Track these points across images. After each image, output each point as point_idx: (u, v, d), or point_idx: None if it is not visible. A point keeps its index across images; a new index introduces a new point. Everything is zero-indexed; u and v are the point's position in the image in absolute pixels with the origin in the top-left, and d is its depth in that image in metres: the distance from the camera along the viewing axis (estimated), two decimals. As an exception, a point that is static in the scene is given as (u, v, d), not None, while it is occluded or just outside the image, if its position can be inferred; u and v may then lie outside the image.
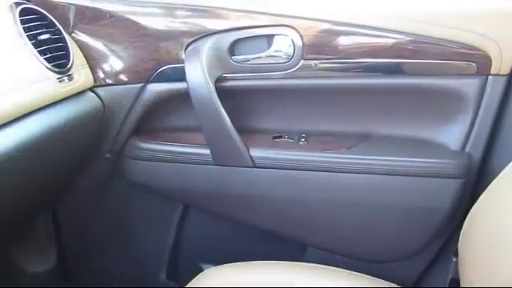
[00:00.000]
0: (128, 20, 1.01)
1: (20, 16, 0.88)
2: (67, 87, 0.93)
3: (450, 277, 0.98)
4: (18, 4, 0.91)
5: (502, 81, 0.95)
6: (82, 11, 1.01)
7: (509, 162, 0.78)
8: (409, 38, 0.95)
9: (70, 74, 0.94)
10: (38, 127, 0.86)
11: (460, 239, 0.85)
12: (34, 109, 0.85)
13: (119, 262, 1.25)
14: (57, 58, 0.92)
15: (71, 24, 1.01)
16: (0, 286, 1.19)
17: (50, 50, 0.91)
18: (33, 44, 0.87)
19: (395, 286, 0.96)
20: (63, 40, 0.95)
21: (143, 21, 1.01)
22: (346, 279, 0.95)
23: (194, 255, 1.14)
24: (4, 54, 0.84)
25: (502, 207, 0.77)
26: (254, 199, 1.08)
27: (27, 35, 0.87)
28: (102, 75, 1.03)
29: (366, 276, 0.96)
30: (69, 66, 0.94)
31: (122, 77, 1.03)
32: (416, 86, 1.00)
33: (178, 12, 1.01)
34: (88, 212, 1.19)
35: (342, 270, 0.96)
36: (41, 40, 0.90)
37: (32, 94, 0.84)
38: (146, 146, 1.09)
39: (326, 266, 0.97)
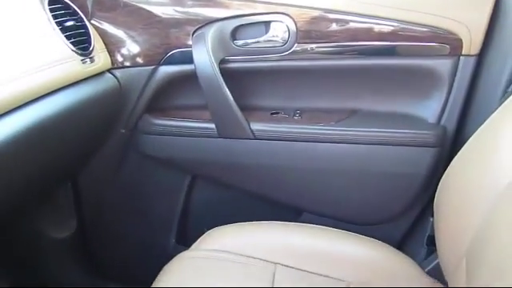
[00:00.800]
0: (141, 9, 1.13)
1: (49, 5, 1.00)
2: (89, 68, 1.05)
3: (427, 234, 1.11)
4: (44, -6, 1.02)
5: (472, 60, 1.06)
6: (100, 1, 1.13)
7: (477, 132, 0.91)
8: (390, 24, 1.06)
9: (92, 57, 1.05)
10: (63, 103, 0.97)
11: (435, 200, 0.97)
12: (61, 86, 0.96)
13: (133, 228, 1.36)
14: (80, 42, 1.03)
15: (91, 12, 1.12)
16: (25, 250, 1.31)
17: (74, 35, 1.02)
18: (60, 29, 0.99)
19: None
20: (85, 27, 1.07)
21: (155, 10, 1.13)
22: (342, 238, 1.07)
23: (200, 221, 1.26)
24: (36, 38, 0.95)
25: (469, 170, 0.89)
26: (254, 168, 1.20)
27: (55, 22, 0.99)
28: (118, 58, 1.14)
29: (359, 235, 1.08)
30: (90, 49, 1.05)
31: (136, 60, 1.15)
32: (397, 66, 1.11)
33: (186, 1, 1.13)
34: (105, 182, 1.30)
35: (337, 230, 1.08)
36: (66, 26, 1.01)
37: (60, 73, 0.95)
38: (158, 122, 1.20)
39: (322, 227, 1.09)
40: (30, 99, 0.86)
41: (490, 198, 0.78)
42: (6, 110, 0.80)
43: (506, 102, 0.87)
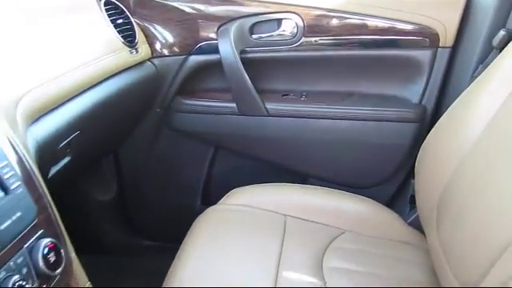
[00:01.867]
0: (175, 8, 1.35)
1: (104, 6, 1.21)
2: (134, 57, 1.26)
3: (410, 194, 1.32)
4: (101, -2, 1.24)
5: (447, 51, 1.29)
6: (141, 2, 1.35)
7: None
8: (381, 21, 1.29)
9: (136, 48, 1.27)
10: (115, 87, 1.18)
11: (415, 165, 1.18)
12: (114, 72, 1.17)
13: (165, 193, 1.58)
14: (127, 36, 1.25)
15: (133, 11, 1.34)
16: (74, 210, 1.53)
17: (122, 31, 1.24)
18: (113, 26, 1.21)
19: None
20: (131, 23, 1.28)
21: (186, 9, 1.35)
22: (339, 196, 1.27)
23: (221, 186, 1.46)
24: (96, 33, 1.17)
25: (442, 140, 1.11)
26: (268, 140, 1.42)
27: (110, 20, 1.20)
28: (156, 49, 1.36)
29: (354, 194, 1.29)
30: (135, 42, 1.27)
31: (171, 50, 1.37)
32: (386, 56, 1.34)
33: (212, 2, 1.34)
34: (141, 154, 1.51)
35: (336, 190, 1.29)
36: (117, 23, 1.23)
37: (114, 62, 1.17)
38: (188, 102, 1.43)
39: (324, 188, 1.30)
40: (93, 83, 1.07)
41: (457, 161, 1.00)
42: (77, 93, 1.01)
43: (472, 84, 1.08)
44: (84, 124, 1.01)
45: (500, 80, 1.00)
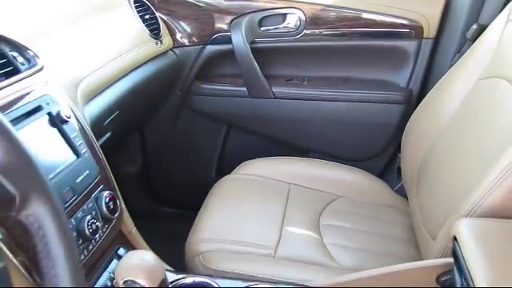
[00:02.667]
0: (194, 4, 1.53)
1: (134, 4, 1.39)
2: (159, 48, 1.45)
3: (397, 166, 1.50)
4: (132, -4, 1.42)
5: (430, 42, 1.46)
6: (165, -1, 1.54)
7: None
8: (373, 15, 1.46)
9: (161, 40, 1.45)
10: (144, 74, 1.36)
11: (402, 141, 1.36)
12: (143, 61, 1.36)
13: (184, 165, 1.77)
14: (153, 29, 1.43)
15: (158, 8, 1.52)
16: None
17: (149, 25, 1.42)
18: (142, 21, 1.39)
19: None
20: (156, 18, 1.46)
21: (203, 5, 1.53)
22: (335, 167, 1.45)
23: (233, 159, 1.60)
24: (129, 28, 1.35)
25: (423, 118, 1.29)
26: (274, 119, 1.60)
27: (139, 15, 1.38)
28: (177, 40, 1.55)
29: (348, 166, 1.47)
30: (160, 35, 1.45)
31: (190, 41, 1.56)
32: (377, 45, 1.51)
33: (226, -1, 1.53)
34: (164, 131, 1.70)
35: (332, 162, 1.48)
36: (145, 18, 1.41)
37: (144, 52, 1.35)
38: (205, 86, 1.61)
39: (323, 160, 1.49)
40: (128, 71, 1.26)
41: (434, 137, 1.18)
42: (116, 79, 1.20)
43: (449, 71, 1.26)
44: (122, 105, 1.20)
45: (472, 67, 1.17)
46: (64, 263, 0.42)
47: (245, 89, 1.57)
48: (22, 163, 0.41)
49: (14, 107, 0.72)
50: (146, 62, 1.37)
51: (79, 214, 0.76)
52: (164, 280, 0.70)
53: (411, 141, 1.32)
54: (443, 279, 0.81)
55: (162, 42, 1.45)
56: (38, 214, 0.41)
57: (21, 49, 0.84)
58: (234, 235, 1.12)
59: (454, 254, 0.74)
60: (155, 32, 1.43)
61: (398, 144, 1.54)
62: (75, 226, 0.75)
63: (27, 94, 0.77)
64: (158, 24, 1.46)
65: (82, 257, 0.77)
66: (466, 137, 1.05)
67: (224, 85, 1.61)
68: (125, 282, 0.67)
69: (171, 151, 1.75)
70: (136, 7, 1.40)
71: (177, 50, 1.55)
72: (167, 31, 1.52)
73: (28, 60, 0.83)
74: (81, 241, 0.77)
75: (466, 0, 1.34)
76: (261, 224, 1.18)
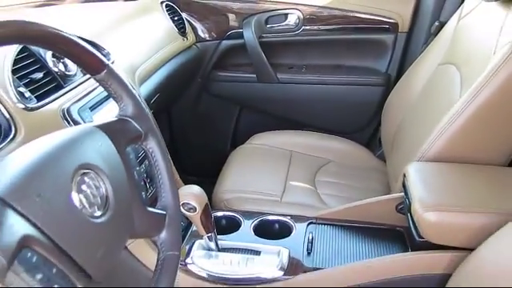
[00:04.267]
0: (212, 7, 1.82)
1: (165, 8, 1.68)
2: (185, 43, 1.74)
3: (378, 137, 1.79)
4: (162, 2, 1.71)
5: (404, 35, 1.75)
6: (189, 3, 1.82)
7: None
8: (358, 14, 1.75)
9: (186, 36, 1.75)
10: (174, 64, 1.64)
11: (382, 116, 1.66)
12: (174, 55, 1.64)
13: (204, 140, 2.05)
14: (180, 28, 1.73)
15: (183, 10, 1.81)
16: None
17: (177, 25, 1.71)
18: (172, 21, 1.68)
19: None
20: (182, 19, 1.76)
21: (220, 7, 1.82)
22: (328, 138, 1.73)
23: (245, 133, 1.84)
24: (163, 28, 1.64)
25: (397, 96, 1.57)
26: (278, 100, 1.89)
27: (169, 17, 1.68)
28: (199, 36, 1.84)
29: (339, 137, 1.76)
30: (186, 32, 1.75)
31: (209, 37, 1.86)
32: (363, 39, 1.80)
33: (238, 2, 1.81)
34: (187, 112, 1.99)
35: (325, 134, 1.77)
36: (174, 19, 1.70)
37: (174, 48, 1.64)
38: (221, 74, 1.91)
39: (318, 132, 1.78)
40: (164, 63, 1.55)
41: (404, 111, 1.47)
42: (156, 69, 1.49)
43: (417, 59, 1.55)
44: (160, 89, 1.49)
45: (434, 55, 1.46)
46: (166, 175, 0.73)
47: (254, 75, 1.86)
48: (145, 114, 0.72)
49: (102, 89, 1.03)
50: (175, 55, 1.66)
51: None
52: (207, 204, 1.01)
53: (388, 115, 1.61)
54: (400, 207, 1.12)
55: (187, 38, 1.75)
56: (153, 146, 0.72)
57: (98, 47, 1.14)
58: (249, 187, 1.41)
59: (404, 188, 1.04)
60: (182, 30, 1.73)
61: (379, 119, 1.84)
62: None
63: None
64: (184, 24, 1.76)
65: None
66: (426, 108, 1.34)
67: (237, 72, 1.91)
68: (183, 204, 0.98)
69: (193, 128, 2.04)
70: (167, 11, 1.69)
71: (199, 45, 1.85)
72: (191, 29, 1.81)
73: (104, 56, 1.13)
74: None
75: (430, 1, 1.63)
76: (269, 179, 1.47)
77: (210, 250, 1.06)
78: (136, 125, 0.71)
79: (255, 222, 1.18)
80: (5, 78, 0.84)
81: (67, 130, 0.60)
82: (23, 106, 0.83)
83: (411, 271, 0.93)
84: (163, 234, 0.69)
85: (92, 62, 0.66)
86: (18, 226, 0.46)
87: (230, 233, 1.15)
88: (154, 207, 0.71)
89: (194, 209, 0.98)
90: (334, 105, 1.86)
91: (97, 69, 0.66)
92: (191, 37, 1.80)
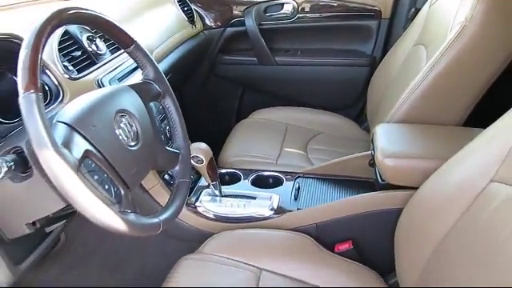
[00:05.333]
0: (217, -1, 2.03)
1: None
2: (193, 31, 1.94)
3: (365, 112, 1.99)
4: (173, -7, 1.92)
5: (387, 21, 1.94)
6: (195, -6, 2.04)
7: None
8: (346, 3, 1.94)
9: (195, 24, 1.96)
10: (184, 49, 1.84)
11: (368, 92, 1.86)
12: (184, 40, 1.85)
13: (212, 116, 2.26)
14: (189, 17, 1.93)
15: (192, 1, 2.02)
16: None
17: (187, 14, 1.92)
18: (182, 11, 1.89)
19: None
20: (191, 9, 1.97)
21: (224, -2, 2.03)
22: (322, 113, 1.94)
23: (247, 109, 2.03)
24: (174, 17, 1.85)
25: (380, 74, 1.78)
26: (277, 80, 2.10)
27: (180, 7, 1.89)
28: (206, 24, 2.05)
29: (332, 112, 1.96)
30: (194, 21, 1.95)
31: (215, 25, 2.06)
32: (351, 25, 2.00)
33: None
34: (196, 91, 2.20)
35: (322, 110, 1.97)
36: (184, 9, 1.91)
37: (185, 34, 1.85)
38: (226, 57, 2.12)
39: (313, 108, 1.98)
40: (175, 47, 1.76)
41: (385, 86, 1.67)
42: (169, 52, 1.70)
43: (397, 41, 1.75)
44: (172, 70, 1.70)
45: (409, 38, 1.65)
46: (179, 124, 0.95)
47: (255, 59, 2.07)
48: (163, 79, 0.94)
49: (128, 64, 1.25)
50: (185, 41, 1.87)
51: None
52: (212, 158, 1.23)
53: (372, 92, 1.81)
54: (371, 163, 1.33)
55: (195, 26, 1.96)
56: (169, 103, 0.94)
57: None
58: (249, 152, 1.60)
59: (372, 144, 1.25)
60: (191, 19, 1.93)
61: (366, 96, 2.04)
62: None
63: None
64: (193, 13, 1.96)
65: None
66: (399, 82, 1.54)
67: (240, 56, 2.12)
68: (192, 157, 1.19)
69: (202, 105, 2.25)
70: (178, 1, 1.90)
71: (206, 32, 2.06)
72: (199, 18, 2.02)
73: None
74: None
75: (408, -9, 1.83)
76: (267, 146, 1.66)
77: (214, 195, 1.29)
78: (156, 86, 0.93)
79: (253, 176, 1.40)
80: (53, 55, 1.06)
81: (110, 87, 0.83)
82: (68, 77, 1.05)
83: (375, 207, 1.14)
84: (177, 167, 0.92)
85: (124, 38, 0.87)
86: (82, 144, 0.68)
87: (231, 184, 1.37)
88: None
89: (202, 161, 1.21)
90: (325, 84, 2.06)
91: (128, 44, 0.88)
92: (199, 25, 2.00)
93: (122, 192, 0.72)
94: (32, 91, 0.60)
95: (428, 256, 0.93)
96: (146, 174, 0.83)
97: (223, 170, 1.44)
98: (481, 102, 1.27)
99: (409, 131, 1.22)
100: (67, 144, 0.65)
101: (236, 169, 1.47)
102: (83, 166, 0.67)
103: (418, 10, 1.72)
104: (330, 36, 2.07)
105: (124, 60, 1.29)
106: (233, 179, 1.40)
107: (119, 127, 0.77)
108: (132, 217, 0.70)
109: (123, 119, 0.78)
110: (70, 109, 0.71)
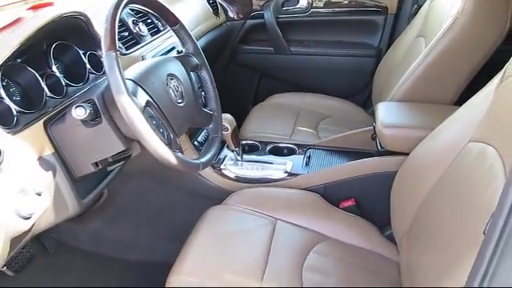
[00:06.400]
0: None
1: (203, -7, 2.08)
2: (217, 21, 2.12)
3: (371, 98, 2.16)
4: (200, -13, 2.10)
5: (392, 16, 2.10)
6: (221, -10, 2.21)
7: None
8: (357, 0, 2.12)
9: (219, 16, 2.13)
10: (209, 38, 2.02)
11: (373, 80, 2.03)
12: (208, 30, 2.02)
13: (232, 100, 2.38)
14: (214, 9, 2.11)
15: (216, -5, 2.21)
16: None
17: (212, 6, 2.10)
18: (208, 4, 2.07)
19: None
20: (216, 2, 2.14)
21: (245, -6, 2.21)
22: (329, 98, 2.12)
23: (264, 94, 2.20)
24: (200, 9, 2.02)
25: (384, 64, 1.95)
26: (291, 68, 2.26)
27: (206, 1, 2.07)
28: (229, 16, 2.23)
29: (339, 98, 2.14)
30: (218, 13, 2.13)
31: (237, 17, 2.24)
32: (359, 19, 2.16)
33: (260, -11, 2.20)
34: (218, 78, 2.36)
35: (332, 97, 2.13)
36: (210, 2, 2.09)
37: (210, 24, 2.02)
38: (245, 47, 2.29)
39: (323, 94, 2.15)
40: (203, 34, 1.95)
41: (390, 73, 1.84)
42: (197, 38, 1.89)
43: (401, 34, 1.91)
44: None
45: (412, 31, 1.82)
46: (212, 92, 1.13)
47: (272, 48, 2.25)
48: (201, 54, 1.12)
49: (164, 46, 1.44)
50: (210, 30, 2.04)
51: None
52: (235, 127, 1.41)
53: (378, 79, 1.98)
54: (373, 136, 1.50)
55: (219, 18, 2.13)
56: (205, 74, 1.12)
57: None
58: (266, 129, 1.77)
59: (374, 118, 1.42)
60: (215, 11, 2.11)
61: (372, 84, 2.20)
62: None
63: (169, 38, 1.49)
64: (217, 6, 2.14)
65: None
66: (401, 68, 1.70)
67: (258, 46, 2.29)
68: (219, 125, 1.38)
69: (223, 90, 2.35)
70: (204, -5, 2.09)
71: (228, 23, 2.23)
72: (222, 11, 2.20)
73: (163, 25, 1.54)
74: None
75: (411, -11, 1.99)
76: (281, 126, 1.81)
77: (236, 160, 1.47)
78: (195, 59, 1.11)
79: (269, 146, 1.58)
80: (107, 33, 1.25)
81: (162, 56, 1.01)
82: (119, 52, 1.23)
83: (374, 170, 1.32)
84: (211, 125, 1.10)
85: (172, 18, 1.06)
86: (144, 95, 0.87)
87: (251, 153, 1.55)
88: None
89: (227, 129, 1.39)
90: (335, 72, 2.22)
91: (174, 22, 1.07)
92: (222, 17, 2.18)
93: (172, 136, 0.90)
94: (112, 51, 0.79)
95: (416, 208, 1.09)
96: (187, 128, 1.02)
97: (243, 142, 1.62)
98: (470, 85, 1.43)
99: (405, 107, 1.39)
100: (134, 94, 0.84)
101: (255, 140, 1.65)
102: (145, 112, 0.86)
103: (420, 6, 1.89)
104: (340, 29, 2.23)
105: (161, 42, 1.47)
106: (252, 148, 1.59)
107: (169, 87, 0.95)
108: (180, 155, 0.88)
109: (172, 81, 0.97)
110: (134, 69, 0.89)
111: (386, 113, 1.34)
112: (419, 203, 1.09)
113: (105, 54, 0.79)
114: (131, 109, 0.78)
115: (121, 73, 0.78)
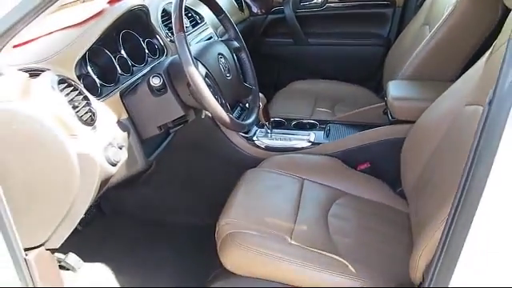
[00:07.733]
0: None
1: (230, -9, 2.28)
2: (242, 16, 2.31)
3: (382, 83, 2.33)
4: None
5: (400, 9, 2.28)
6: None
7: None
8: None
9: (244, 12, 2.34)
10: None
11: (384, 65, 2.21)
12: (236, 23, 2.24)
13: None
14: (240, 6, 2.31)
15: (241, -7, 2.40)
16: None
17: (237, 4, 2.30)
18: (234, 1, 2.27)
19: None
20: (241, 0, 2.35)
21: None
22: (341, 83, 2.31)
23: (283, 81, 2.34)
24: (227, 5, 2.23)
25: (394, 52, 2.13)
26: (309, 56, 2.45)
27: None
28: (252, 12, 2.42)
29: (350, 84, 2.32)
30: (243, 9, 2.33)
31: (260, 12, 2.43)
32: (369, 12, 2.35)
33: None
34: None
35: (345, 82, 2.32)
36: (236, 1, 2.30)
37: (234, 19, 2.19)
38: (267, 39, 2.49)
39: (334, 80, 2.34)
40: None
41: (397, 61, 2.02)
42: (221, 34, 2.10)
43: (408, 24, 2.09)
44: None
45: (418, 21, 1.99)
46: (250, 70, 1.34)
47: (291, 40, 2.44)
48: (240, 39, 1.33)
49: (202, 37, 1.65)
50: (235, 25, 2.25)
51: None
52: (266, 103, 1.61)
53: (388, 66, 2.15)
54: (384, 111, 1.68)
55: (243, 13, 2.33)
56: (244, 56, 1.32)
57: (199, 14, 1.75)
58: (289, 110, 1.96)
59: (385, 94, 1.61)
60: (240, 7, 2.31)
61: (382, 71, 2.38)
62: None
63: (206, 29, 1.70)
64: (242, 2, 2.35)
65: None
66: (408, 54, 1.88)
67: (279, 38, 2.48)
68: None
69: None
70: (233, -6, 2.29)
71: (251, 18, 2.43)
72: (246, 6, 2.40)
73: (200, 19, 1.74)
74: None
75: (416, -17, 2.17)
76: (301, 108, 2.00)
77: (267, 132, 1.67)
78: (236, 43, 1.31)
79: (294, 122, 1.78)
80: (159, 26, 1.46)
81: (212, 40, 1.21)
82: (169, 40, 1.45)
83: (386, 136, 1.51)
84: (250, 97, 1.30)
85: (218, 8, 1.26)
86: (203, 69, 1.07)
87: (278, 127, 1.75)
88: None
89: (259, 105, 1.59)
90: (348, 60, 2.40)
91: (220, 12, 1.27)
92: (246, 12, 2.38)
93: (224, 102, 1.11)
94: (181, 32, 1.00)
95: (423, 166, 1.27)
96: (233, 97, 1.22)
97: (271, 119, 1.82)
98: (468, 65, 1.61)
99: (412, 84, 1.58)
100: (197, 67, 1.04)
101: (281, 117, 1.85)
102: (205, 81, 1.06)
103: (425, -1, 2.07)
104: (352, 22, 2.41)
105: (201, 32, 1.68)
106: (278, 124, 1.79)
107: (220, 63, 1.15)
108: (232, 116, 1.09)
109: (221, 59, 1.17)
110: (194, 49, 1.10)
111: (396, 88, 1.53)
112: (425, 162, 1.27)
113: (176, 35, 1.00)
114: (197, 76, 0.98)
115: (189, 49, 0.98)
